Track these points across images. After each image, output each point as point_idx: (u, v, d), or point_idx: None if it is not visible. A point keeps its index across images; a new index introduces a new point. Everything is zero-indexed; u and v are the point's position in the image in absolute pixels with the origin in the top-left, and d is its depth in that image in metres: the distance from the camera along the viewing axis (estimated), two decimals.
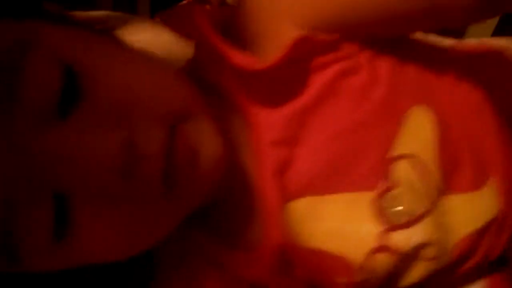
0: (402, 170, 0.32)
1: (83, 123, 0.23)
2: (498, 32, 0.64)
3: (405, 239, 0.32)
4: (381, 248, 0.32)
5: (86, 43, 0.26)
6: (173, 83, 0.28)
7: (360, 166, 0.32)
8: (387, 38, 0.34)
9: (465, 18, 0.32)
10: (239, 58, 0.30)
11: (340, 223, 0.32)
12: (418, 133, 0.33)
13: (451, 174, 0.34)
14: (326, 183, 0.32)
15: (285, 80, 0.31)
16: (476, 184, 0.35)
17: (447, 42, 0.45)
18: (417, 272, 0.33)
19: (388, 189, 0.32)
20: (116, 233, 0.25)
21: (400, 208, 0.32)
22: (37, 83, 0.22)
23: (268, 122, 0.32)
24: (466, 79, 0.36)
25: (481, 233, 0.35)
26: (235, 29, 0.34)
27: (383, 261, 0.32)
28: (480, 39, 0.50)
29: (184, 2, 0.36)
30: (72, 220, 0.24)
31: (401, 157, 0.32)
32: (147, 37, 0.40)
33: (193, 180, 0.27)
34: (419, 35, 0.38)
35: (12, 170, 0.22)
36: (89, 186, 0.23)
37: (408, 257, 0.32)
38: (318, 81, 0.32)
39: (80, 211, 0.24)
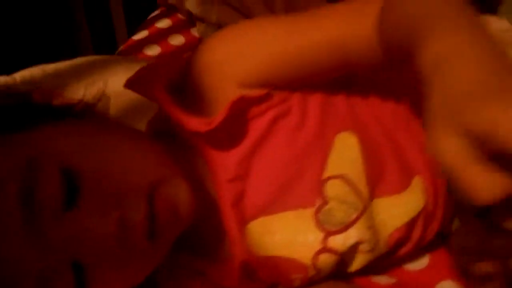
0: (333, 188, 0.41)
1: (85, 211, 0.33)
2: None
3: (342, 241, 0.41)
4: (324, 250, 0.42)
5: (77, 143, 0.35)
6: (148, 155, 0.38)
7: (300, 188, 0.41)
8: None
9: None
10: (190, 123, 0.39)
11: (290, 234, 0.42)
12: (345, 155, 0.42)
13: (378, 182, 0.43)
14: (275, 205, 0.42)
15: (231, 130, 0.40)
16: (402, 186, 0.44)
17: None
18: (358, 262, 0.43)
19: (323, 205, 0.41)
20: (120, 280, 0.36)
21: (334, 218, 0.41)
22: (47, 191, 0.32)
23: (223, 164, 0.41)
24: (386, 95, 0.45)
25: (410, 225, 0.44)
26: (188, 86, 0.42)
27: (327, 259, 0.42)
28: None
29: (146, 66, 0.44)
30: (88, 279, 0.34)
31: (331, 177, 0.41)
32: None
33: (176, 227, 0.37)
34: None
35: (39, 252, 0.32)
36: (96, 256, 0.33)
37: (347, 254, 0.42)
38: (257, 127, 0.41)
39: (92, 273, 0.34)
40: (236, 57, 0.41)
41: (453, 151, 0.21)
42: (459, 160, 0.21)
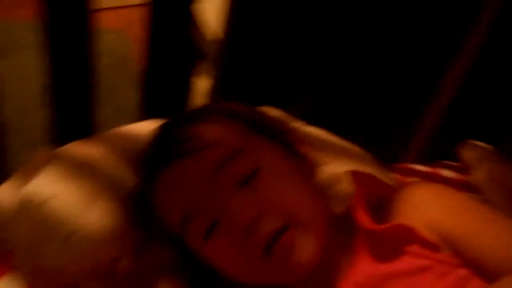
0: None
1: (242, 196, 0.47)
2: None
3: None
4: None
5: (274, 159, 0.50)
6: (307, 206, 0.48)
7: None
8: None
9: None
10: (362, 218, 0.48)
11: None
12: None
13: None
14: None
15: (388, 246, 0.46)
16: None
17: None
18: None
19: None
20: (227, 253, 0.47)
21: None
22: (239, 171, 0.47)
23: (361, 267, 0.47)
24: None
25: None
26: (387, 201, 0.51)
27: None
28: None
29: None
30: (214, 234, 0.47)
31: None
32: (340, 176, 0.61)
33: (282, 262, 0.46)
34: None
35: (207, 200, 0.47)
36: (226, 227, 0.47)
37: None
38: (408, 262, 0.45)
39: (219, 233, 0.47)
40: (435, 206, 0.48)
41: None
42: None
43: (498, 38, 0.85)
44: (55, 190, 0.52)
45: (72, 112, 0.76)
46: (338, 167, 0.63)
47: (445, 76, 0.92)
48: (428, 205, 0.48)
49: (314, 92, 0.89)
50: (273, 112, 0.70)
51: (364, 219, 0.48)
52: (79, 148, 0.61)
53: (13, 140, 0.85)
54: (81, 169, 0.55)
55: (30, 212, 0.51)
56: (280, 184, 0.48)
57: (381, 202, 0.52)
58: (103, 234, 0.51)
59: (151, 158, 0.53)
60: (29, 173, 0.56)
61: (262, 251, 0.45)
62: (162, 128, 0.56)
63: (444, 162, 0.96)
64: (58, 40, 0.70)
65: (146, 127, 0.65)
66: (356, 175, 0.54)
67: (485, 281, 0.43)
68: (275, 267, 0.46)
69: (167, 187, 0.49)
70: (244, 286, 0.51)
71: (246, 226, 0.45)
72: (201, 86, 0.87)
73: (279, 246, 0.45)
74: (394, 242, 0.45)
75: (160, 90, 0.84)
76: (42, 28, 0.68)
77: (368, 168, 0.68)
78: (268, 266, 0.46)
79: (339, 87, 0.92)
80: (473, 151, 0.94)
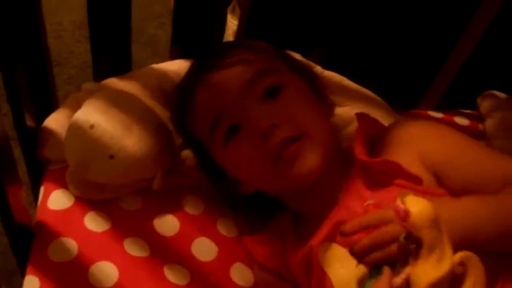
0: None
1: (269, 108, 0.55)
2: None
3: None
4: None
5: (297, 85, 0.58)
6: (319, 126, 0.56)
7: None
8: None
9: None
10: (356, 149, 0.55)
11: (351, 282, 0.52)
12: None
13: None
14: None
15: (376, 179, 0.54)
16: None
17: None
18: None
19: None
20: (243, 156, 0.56)
21: None
22: (267, 84, 0.56)
23: (356, 192, 0.55)
24: None
25: None
26: (380, 139, 0.58)
27: None
28: None
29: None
30: (235, 138, 0.56)
31: None
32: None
33: (287, 168, 0.54)
34: None
35: (235, 106, 0.56)
36: (249, 129, 0.55)
37: None
38: (392, 193, 0.52)
39: (239, 137, 0.56)
40: (422, 139, 0.55)
41: None
42: None
43: None
44: (99, 118, 0.61)
45: (109, 47, 0.83)
46: (351, 110, 0.70)
47: (469, 25, 0.94)
48: (417, 139, 0.55)
49: (334, 40, 0.94)
50: (295, 56, 0.76)
51: (360, 151, 0.55)
52: (118, 83, 0.69)
53: (56, 72, 0.93)
54: (120, 101, 0.64)
55: (80, 135, 0.61)
56: (299, 103, 0.57)
57: (379, 140, 0.59)
58: (139, 157, 0.61)
59: (192, 71, 0.62)
60: (77, 103, 0.65)
61: (273, 157, 0.54)
62: (202, 52, 0.65)
63: (460, 111, 1.01)
64: None
65: (178, 65, 0.73)
66: (360, 116, 0.61)
67: None
68: (281, 173, 0.54)
69: (204, 94, 0.58)
70: (256, 197, 0.60)
71: (263, 132, 0.54)
72: (231, 27, 0.93)
73: (286, 153, 0.54)
74: (383, 175, 0.53)
75: (190, 28, 0.89)
76: None
77: (379, 112, 0.75)
78: (276, 171, 0.54)
79: (360, 34, 0.96)
80: (490, 101, 0.98)
